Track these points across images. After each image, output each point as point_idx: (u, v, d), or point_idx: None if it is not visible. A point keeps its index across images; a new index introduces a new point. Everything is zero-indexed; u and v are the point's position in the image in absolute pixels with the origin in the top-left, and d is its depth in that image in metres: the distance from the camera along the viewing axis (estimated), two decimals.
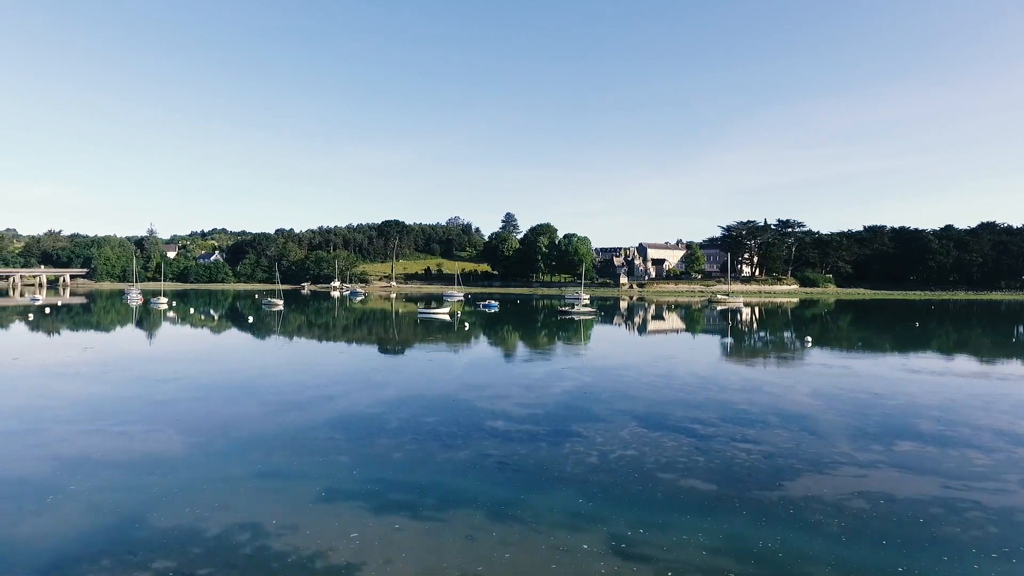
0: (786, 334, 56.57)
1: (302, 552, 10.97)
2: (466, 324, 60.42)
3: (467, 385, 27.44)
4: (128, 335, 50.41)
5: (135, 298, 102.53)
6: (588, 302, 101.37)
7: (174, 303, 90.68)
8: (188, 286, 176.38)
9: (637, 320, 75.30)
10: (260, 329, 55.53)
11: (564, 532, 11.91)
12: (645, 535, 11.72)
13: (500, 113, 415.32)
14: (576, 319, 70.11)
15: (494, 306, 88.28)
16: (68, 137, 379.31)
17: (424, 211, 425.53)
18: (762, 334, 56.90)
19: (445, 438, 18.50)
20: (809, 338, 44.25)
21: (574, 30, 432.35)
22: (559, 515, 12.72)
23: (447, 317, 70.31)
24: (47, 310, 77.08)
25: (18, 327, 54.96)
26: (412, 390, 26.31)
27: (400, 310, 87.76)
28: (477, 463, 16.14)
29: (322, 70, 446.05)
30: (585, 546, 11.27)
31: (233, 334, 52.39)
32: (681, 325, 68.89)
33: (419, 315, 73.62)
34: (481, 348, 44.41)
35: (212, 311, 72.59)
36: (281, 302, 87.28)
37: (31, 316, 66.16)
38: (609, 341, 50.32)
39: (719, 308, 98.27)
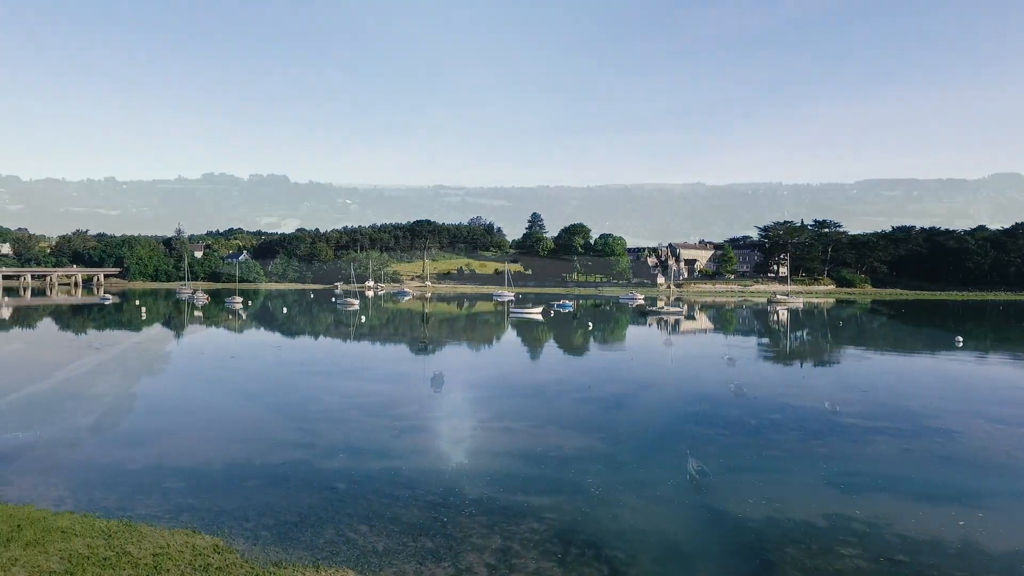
0: (918, 334, 57.54)
1: (916, 539, 11.68)
2: (589, 324, 61.04)
3: (716, 382, 28.09)
4: (288, 334, 52.56)
5: (200, 298, 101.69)
6: (643, 300, 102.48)
7: (249, 303, 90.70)
8: (220, 285, 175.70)
9: (737, 321, 76.01)
10: (388, 330, 55.86)
11: None
12: None
13: (501, 113, 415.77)
14: (665, 319, 70.77)
15: (568, 306, 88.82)
16: (72, 137, 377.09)
17: (436, 212, 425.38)
18: (890, 334, 57.76)
19: (800, 434, 19.20)
20: (960, 338, 45.08)
21: (573, 30, 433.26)
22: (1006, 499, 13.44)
23: (540, 317, 70.86)
24: (144, 310, 77.02)
25: (150, 326, 55.17)
26: (669, 386, 27.02)
27: (482, 310, 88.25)
28: (888, 456, 16.91)
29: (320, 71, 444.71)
30: None
31: (371, 334, 52.57)
32: (782, 325, 69.45)
33: (512, 314, 74.22)
34: (647, 348, 45.16)
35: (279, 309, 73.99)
36: (357, 302, 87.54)
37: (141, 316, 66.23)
38: (752, 342, 50.83)
39: (779, 308, 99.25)
